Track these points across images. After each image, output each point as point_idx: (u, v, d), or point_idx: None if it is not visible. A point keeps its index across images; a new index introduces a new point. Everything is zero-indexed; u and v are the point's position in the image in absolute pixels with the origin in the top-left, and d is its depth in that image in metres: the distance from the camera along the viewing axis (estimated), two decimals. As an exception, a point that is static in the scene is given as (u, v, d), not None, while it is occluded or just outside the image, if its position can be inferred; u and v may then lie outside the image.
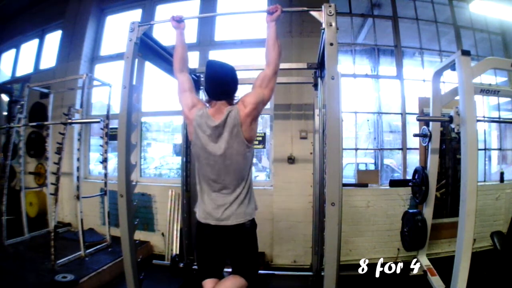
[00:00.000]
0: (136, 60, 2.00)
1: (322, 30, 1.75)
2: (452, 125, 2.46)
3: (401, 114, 4.10)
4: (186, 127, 3.02)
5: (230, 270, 1.77)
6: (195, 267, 3.00)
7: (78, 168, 3.67)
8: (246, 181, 1.69)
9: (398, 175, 4.49)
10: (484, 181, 4.24)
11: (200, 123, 1.65)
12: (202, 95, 2.92)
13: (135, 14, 4.75)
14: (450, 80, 3.88)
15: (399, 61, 4.20)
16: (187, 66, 1.89)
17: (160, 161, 5.19)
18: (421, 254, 3.25)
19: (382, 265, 3.25)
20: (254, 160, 4.94)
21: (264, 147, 4.07)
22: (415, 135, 3.40)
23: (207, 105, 1.73)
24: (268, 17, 1.78)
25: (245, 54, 4.25)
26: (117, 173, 1.94)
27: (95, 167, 4.86)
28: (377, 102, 4.25)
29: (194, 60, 4.14)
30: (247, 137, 1.64)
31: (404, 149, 4.07)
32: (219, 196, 1.67)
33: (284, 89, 3.78)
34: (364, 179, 3.89)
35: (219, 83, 1.68)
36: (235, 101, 1.71)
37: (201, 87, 3.04)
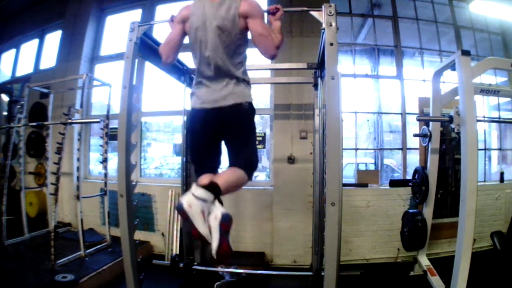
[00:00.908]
0: (136, 60, 2.00)
1: (322, 30, 1.75)
2: (452, 125, 2.46)
3: (401, 114, 4.11)
4: (186, 127, 3.05)
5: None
6: (195, 266, 3.00)
7: (78, 168, 3.67)
8: (242, 65, 1.64)
9: (398, 175, 4.49)
10: (484, 181, 4.24)
11: (197, 6, 1.61)
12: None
13: (135, 14, 4.75)
14: (450, 80, 3.88)
15: (399, 61, 4.20)
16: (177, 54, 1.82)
17: (160, 161, 5.19)
18: (421, 254, 3.25)
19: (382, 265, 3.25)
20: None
21: (264, 147, 4.07)
22: (415, 135, 3.41)
23: None
24: (271, 17, 1.78)
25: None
26: (117, 173, 1.94)
27: (95, 167, 4.86)
28: (377, 102, 4.26)
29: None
30: (242, 25, 1.58)
31: (404, 149, 4.07)
32: (214, 79, 1.61)
33: (284, 89, 3.78)
34: (364, 179, 3.89)
35: None
36: None
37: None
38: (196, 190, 1.39)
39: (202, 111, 1.63)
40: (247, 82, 1.67)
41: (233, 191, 1.58)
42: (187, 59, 2.42)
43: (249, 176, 1.62)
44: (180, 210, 1.36)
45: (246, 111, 1.63)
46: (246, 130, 1.66)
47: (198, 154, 1.74)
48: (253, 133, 1.72)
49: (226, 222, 1.34)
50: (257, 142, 1.70)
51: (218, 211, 1.37)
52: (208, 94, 1.62)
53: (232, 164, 1.64)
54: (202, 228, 1.35)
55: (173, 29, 1.73)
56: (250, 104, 1.65)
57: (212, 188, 1.42)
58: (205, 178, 1.58)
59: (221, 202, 1.45)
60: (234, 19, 1.57)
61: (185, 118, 3.07)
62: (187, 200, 1.36)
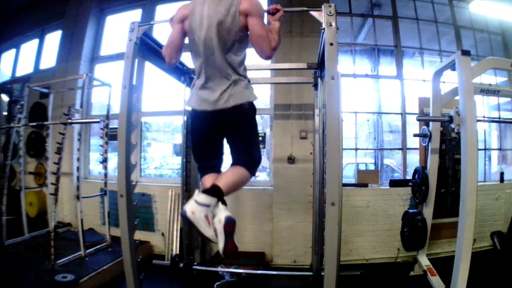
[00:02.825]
0: (136, 60, 2.00)
1: (322, 30, 1.75)
2: (452, 125, 2.46)
3: (401, 114, 4.11)
4: (187, 127, 3.06)
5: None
6: (196, 266, 3.00)
7: (78, 168, 3.68)
8: (242, 63, 1.62)
9: (398, 175, 4.49)
10: (484, 181, 4.24)
11: (197, 6, 1.59)
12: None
13: (135, 14, 4.75)
14: (450, 80, 3.88)
15: (399, 61, 4.20)
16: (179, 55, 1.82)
17: (160, 161, 5.19)
18: (421, 254, 3.25)
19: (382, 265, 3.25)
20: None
21: (264, 147, 4.06)
22: (415, 135, 3.41)
23: None
24: (270, 17, 1.78)
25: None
26: (117, 173, 1.94)
27: (95, 167, 4.86)
28: (377, 102, 4.25)
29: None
30: (242, 23, 1.56)
31: (404, 149, 4.07)
32: (214, 79, 1.59)
33: (284, 89, 3.78)
34: (364, 179, 3.88)
35: None
36: None
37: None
38: (198, 196, 1.42)
39: (202, 113, 1.62)
40: (247, 81, 1.66)
41: (236, 190, 1.59)
42: (187, 59, 2.41)
43: (252, 173, 1.63)
44: (185, 218, 1.39)
45: (247, 111, 1.62)
46: (247, 129, 1.65)
47: (200, 154, 1.75)
48: (255, 130, 1.71)
49: (229, 225, 1.39)
50: (259, 138, 1.69)
51: (221, 214, 1.40)
52: (208, 95, 1.60)
53: (234, 161, 1.64)
54: (208, 232, 1.39)
55: (173, 30, 1.73)
56: (251, 103, 1.64)
57: (215, 191, 1.45)
58: (207, 181, 1.60)
59: (224, 203, 1.47)
60: (235, 16, 1.55)
61: (185, 118, 3.07)
62: (190, 208, 1.39)
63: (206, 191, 1.45)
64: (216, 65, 1.59)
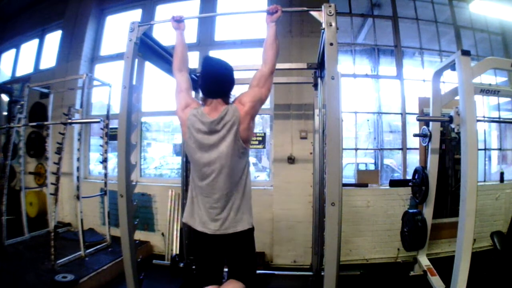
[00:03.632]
0: (136, 60, 2.00)
1: (322, 30, 1.75)
2: (452, 125, 2.46)
3: (401, 114, 4.10)
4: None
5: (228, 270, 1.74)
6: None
7: (78, 168, 3.68)
8: (242, 185, 1.62)
9: (398, 175, 4.49)
10: (484, 181, 4.23)
11: (193, 122, 1.59)
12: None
13: (135, 14, 4.75)
14: (450, 80, 3.88)
15: (399, 61, 4.20)
16: (186, 66, 1.85)
17: (160, 161, 5.19)
18: (421, 254, 3.25)
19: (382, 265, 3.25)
20: (254, 160, 4.95)
21: (264, 147, 4.06)
22: (415, 135, 3.40)
23: (202, 103, 1.67)
24: (268, 17, 1.78)
25: (245, 54, 4.25)
26: (117, 173, 1.94)
27: (95, 167, 4.86)
28: (377, 102, 4.25)
29: (194, 60, 4.14)
30: (244, 137, 1.57)
31: (404, 149, 4.07)
32: (214, 202, 1.59)
33: (284, 89, 3.78)
34: (364, 179, 3.88)
35: (215, 81, 1.62)
36: (230, 100, 1.67)
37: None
38: None
39: (203, 235, 1.63)
40: (247, 203, 1.66)
41: None
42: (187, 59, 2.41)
43: (248, 285, 1.66)
44: None
45: (245, 236, 1.65)
46: (245, 250, 1.69)
47: (201, 269, 1.75)
48: (252, 250, 1.75)
49: None
50: (255, 257, 1.84)
51: None
52: (209, 219, 1.60)
53: (232, 276, 1.67)
54: None
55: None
56: (250, 227, 1.66)
57: None
58: None
59: None
60: (237, 133, 1.55)
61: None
62: None
63: None
64: (217, 194, 1.59)
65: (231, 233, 1.60)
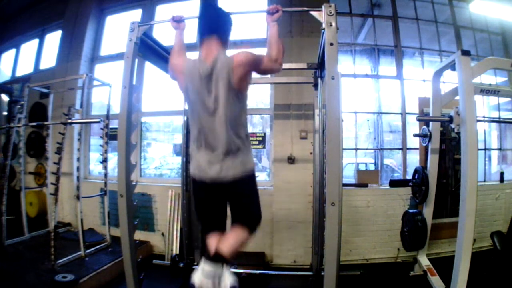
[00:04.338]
0: (136, 60, 2.00)
1: (322, 30, 1.75)
2: (452, 125, 2.46)
3: (401, 114, 4.10)
4: (185, 126, 3.05)
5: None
6: (196, 266, 2.99)
7: (78, 168, 3.68)
8: (240, 132, 1.60)
9: (398, 175, 4.49)
10: (484, 181, 4.23)
11: (191, 70, 1.59)
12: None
13: (135, 14, 4.75)
14: (450, 80, 3.88)
15: (399, 61, 4.20)
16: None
17: (160, 161, 5.19)
18: (421, 254, 3.25)
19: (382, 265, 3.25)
20: (254, 160, 4.94)
21: (264, 147, 4.06)
22: (415, 135, 3.40)
23: (199, 51, 1.66)
24: (269, 17, 1.78)
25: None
26: (117, 173, 1.94)
27: (95, 167, 4.86)
28: (377, 102, 4.25)
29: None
30: (238, 87, 1.55)
31: (404, 149, 4.07)
32: (212, 150, 1.58)
33: (284, 89, 3.78)
34: (364, 179, 3.89)
35: (210, 15, 1.66)
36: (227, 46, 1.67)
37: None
38: (205, 265, 1.50)
39: (203, 182, 1.62)
40: (247, 148, 1.64)
41: (239, 250, 1.63)
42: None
43: (253, 231, 1.66)
44: None
45: (247, 180, 1.62)
46: (248, 193, 1.67)
47: (203, 217, 1.76)
48: (255, 192, 1.71)
49: None
50: (259, 197, 1.74)
51: (227, 280, 1.49)
52: (208, 163, 1.58)
53: (236, 221, 1.66)
54: None
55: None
56: (251, 170, 1.65)
57: (219, 258, 1.52)
58: (212, 242, 1.64)
59: (229, 264, 1.55)
60: (230, 80, 1.53)
61: (185, 118, 3.07)
62: (198, 278, 1.48)
63: (212, 259, 1.52)
64: (215, 136, 1.57)
65: (232, 177, 1.57)
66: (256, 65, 1.61)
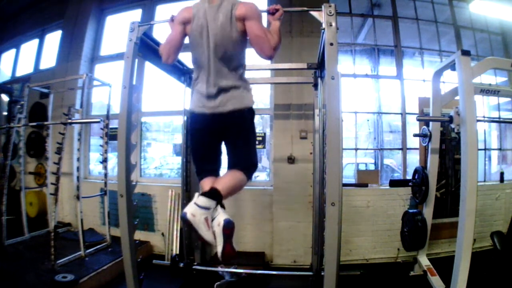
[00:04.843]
0: (136, 60, 2.00)
1: (322, 30, 1.75)
2: (452, 125, 2.46)
3: (401, 114, 4.11)
4: (186, 128, 3.05)
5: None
6: (196, 266, 3.00)
7: (78, 168, 3.68)
8: (239, 71, 1.65)
9: (398, 175, 4.49)
10: (484, 181, 4.23)
11: (199, 9, 1.62)
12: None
13: (135, 14, 4.75)
14: (450, 80, 3.88)
15: (399, 61, 4.20)
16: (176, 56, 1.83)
17: (160, 161, 5.19)
18: (421, 254, 3.25)
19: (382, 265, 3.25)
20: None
21: (264, 147, 4.07)
22: (415, 135, 3.40)
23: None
24: (270, 17, 1.78)
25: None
26: (117, 173, 1.94)
27: (95, 167, 4.86)
28: (377, 102, 4.25)
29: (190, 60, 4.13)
30: (239, 29, 1.59)
31: (404, 149, 4.07)
32: (213, 83, 1.61)
33: (284, 89, 3.78)
34: (364, 179, 3.89)
35: None
36: None
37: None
38: (198, 199, 1.44)
39: (201, 116, 1.64)
40: (246, 86, 1.68)
41: (234, 193, 1.60)
42: (187, 59, 2.41)
43: (249, 177, 1.65)
44: (185, 220, 1.40)
45: (245, 116, 1.65)
46: (245, 133, 1.68)
47: (199, 156, 1.77)
48: (253, 135, 1.73)
49: (228, 228, 1.41)
50: (257, 143, 1.72)
51: (220, 217, 1.43)
52: (207, 98, 1.62)
53: (232, 165, 1.66)
54: (206, 235, 1.42)
55: (174, 30, 1.74)
56: (250, 108, 1.67)
57: (214, 194, 1.47)
58: (206, 184, 1.62)
59: (223, 206, 1.49)
60: (232, 22, 1.58)
61: (185, 118, 3.07)
62: (190, 210, 1.41)
63: (206, 194, 1.47)
64: (215, 69, 1.61)
65: (230, 111, 1.59)
66: (256, 23, 1.60)
